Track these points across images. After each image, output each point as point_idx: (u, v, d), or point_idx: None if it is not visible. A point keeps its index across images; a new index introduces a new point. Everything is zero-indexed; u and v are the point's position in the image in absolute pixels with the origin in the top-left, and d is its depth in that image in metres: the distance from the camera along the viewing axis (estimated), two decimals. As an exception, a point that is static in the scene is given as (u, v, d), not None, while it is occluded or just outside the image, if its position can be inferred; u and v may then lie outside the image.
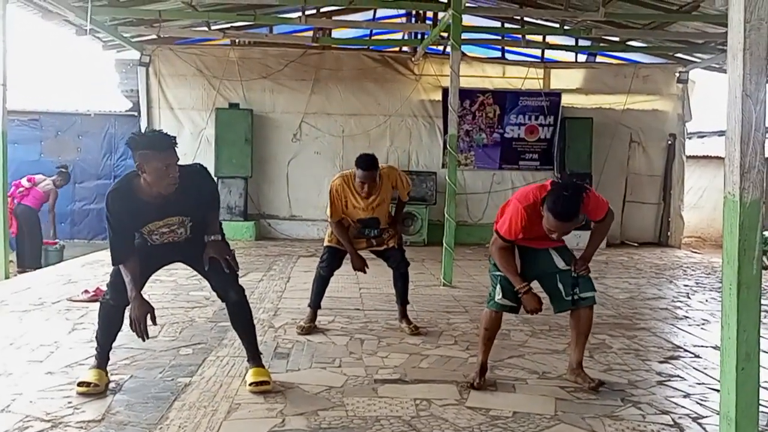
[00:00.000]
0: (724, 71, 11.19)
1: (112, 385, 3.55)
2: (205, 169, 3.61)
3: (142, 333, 3.31)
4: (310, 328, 4.90)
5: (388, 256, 5.01)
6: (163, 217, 3.40)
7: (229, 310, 3.65)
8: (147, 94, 11.24)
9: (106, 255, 8.87)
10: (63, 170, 9.46)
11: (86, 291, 5.96)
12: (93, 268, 7.77)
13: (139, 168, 3.24)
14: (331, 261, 4.98)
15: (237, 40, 11.48)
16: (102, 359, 3.60)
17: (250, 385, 3.54)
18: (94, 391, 3.42)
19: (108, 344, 3.61)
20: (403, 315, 5.04)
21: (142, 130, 3.40)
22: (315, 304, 5.02)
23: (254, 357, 3.69)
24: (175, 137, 3.32)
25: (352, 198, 4.79)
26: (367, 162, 4.66)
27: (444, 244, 7.10)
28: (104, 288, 5.96)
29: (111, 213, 3.33)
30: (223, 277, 3.56)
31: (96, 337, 3.62)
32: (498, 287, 3.70)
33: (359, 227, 4.92)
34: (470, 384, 3.68)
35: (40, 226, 9.12)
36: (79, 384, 3.46)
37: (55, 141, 11.68)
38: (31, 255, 8.90)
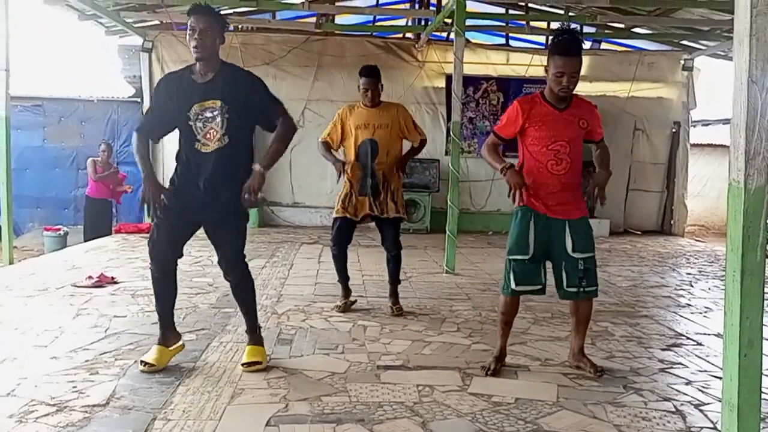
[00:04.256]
0: (730, 58, 11.18)
1: (116, 370, 3.57)
2: (255, 75, 3.67)
3: (155, 211, 3.50)
4: (345, 305, 5.09)
5: (385, 232, 5.05)
6: (204, 99, 3.50)
7: (231, 287, 3.78)
8: (150, 80, 11.16)
9: (109, 241, 8.96)
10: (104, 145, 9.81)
11: (90, 277, 5.98)
12: (97, 254, 7.79)
13: None
14: (338, 239, 5.03)
15: (240, 26, 11.42)
16: (162, 332, 3.70)
17: (242, 364, 3.63)
18: (150, 370, 3.53)
19: (165, 314, 3.72)
20: (392, 294, 5.16)
21: None
22: (342, 281, 5.17)
23: (251, 330, 3.79)
24: (211, 8, 3.54)
25: (357, 112, 4.95)
26: (368, 69, 4.98)
27: (447, 232, 7.09)
28: (108, 274, 6.05)
29: (156, 91, 3.66)
30: (227, 257, 3.63)
31: (156, 311, 3.76)
32: (511, 274, 3.65)
33: (359, 166, 4.89)
34: (485, 369, 3.69)
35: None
36: (141, 362, 3.58)
37: (57, 127, 11.69)
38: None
